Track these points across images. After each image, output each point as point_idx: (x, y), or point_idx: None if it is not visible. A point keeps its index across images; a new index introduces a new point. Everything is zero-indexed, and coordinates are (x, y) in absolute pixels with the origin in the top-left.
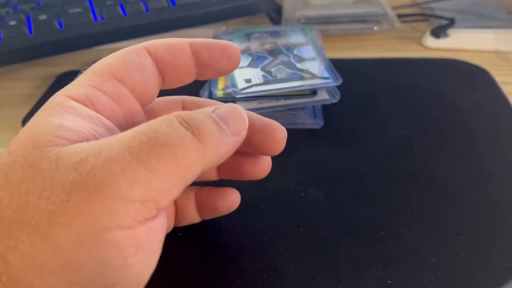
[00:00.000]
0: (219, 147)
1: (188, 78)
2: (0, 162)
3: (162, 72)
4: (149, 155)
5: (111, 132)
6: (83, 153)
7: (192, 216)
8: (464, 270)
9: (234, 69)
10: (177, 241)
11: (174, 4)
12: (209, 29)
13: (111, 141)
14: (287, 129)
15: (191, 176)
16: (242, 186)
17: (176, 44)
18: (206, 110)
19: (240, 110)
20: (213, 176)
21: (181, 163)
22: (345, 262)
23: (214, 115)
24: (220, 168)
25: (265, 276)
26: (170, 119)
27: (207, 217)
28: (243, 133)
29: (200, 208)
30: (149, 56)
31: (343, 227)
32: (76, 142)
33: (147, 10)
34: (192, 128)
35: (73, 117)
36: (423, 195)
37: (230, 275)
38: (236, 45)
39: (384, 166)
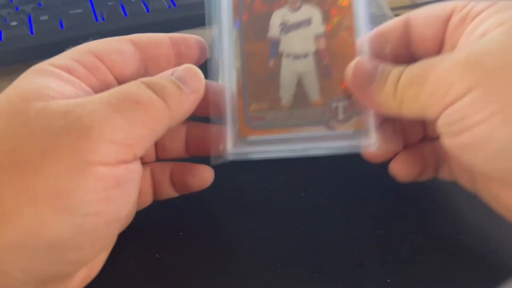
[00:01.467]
0: (181, 105)
1: (168, 66)
2: None
3: (145, 61)
4: (127, 109)
5: None
6: (69, 106)
7: (168, 191)
8: (464, 270)
9: (204, 60)
10: (178, 240)
11: (174, 4)
12: (210, 30)
13: (92, 99)
14: None
15: (160, 129)
16: (242, 186)
17: (157, 36)
18: (166, 74)
19: (196, 70)
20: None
21: (151, 117)
22: (345, 262)
23: (174, 78)
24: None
25: (265, 276)
26: (138, 84)
27: (183, 193)
28: (201, 90)
29: (175, 183)
30: (131, 45)
31: (343, 227)
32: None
33: (147, 10)
34: (156, 91)
35: (57, 80)
36: (423, 195)
37: (230, 275)
38: (202, 40)
39: (384, 165)
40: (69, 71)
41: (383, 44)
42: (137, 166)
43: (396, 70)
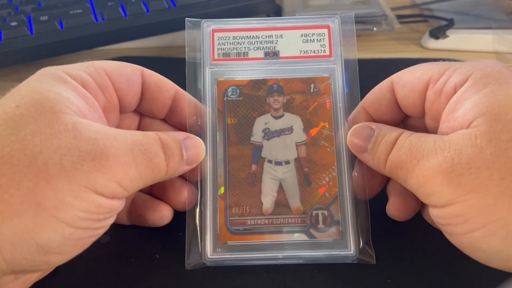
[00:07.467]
0: (175, 172)
1: (159, 114)
2: (7, 111)
3: (144, 95)
4: (141, 163)
5: (98, 115)
6: (98, 134)
7: (122, 217)
8: (464, 270)
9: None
10: (178, 238)
11: (174, 5)
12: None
13: (117, 136)
14: None
15: (151, 183)
16: None
17: (166, 83)
18: (179, 136)
19: (202, 148)
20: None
21: (153, 174)
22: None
23: (183, 146)
24: (129, 215)
25: (265, 275)
26: (157, 142)
27: (135, 223)
28: (194, 165)
29: (131, 212)
30: (141, 77)
31: None
32: (79, 117)
33: (147, 11)
34: (166, 155)
35: (75, 94)
36: None
37: (230, 274)
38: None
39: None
40: (82, 83)
41: (377, 111)
42: (123, 202)
43: (385, 140)
